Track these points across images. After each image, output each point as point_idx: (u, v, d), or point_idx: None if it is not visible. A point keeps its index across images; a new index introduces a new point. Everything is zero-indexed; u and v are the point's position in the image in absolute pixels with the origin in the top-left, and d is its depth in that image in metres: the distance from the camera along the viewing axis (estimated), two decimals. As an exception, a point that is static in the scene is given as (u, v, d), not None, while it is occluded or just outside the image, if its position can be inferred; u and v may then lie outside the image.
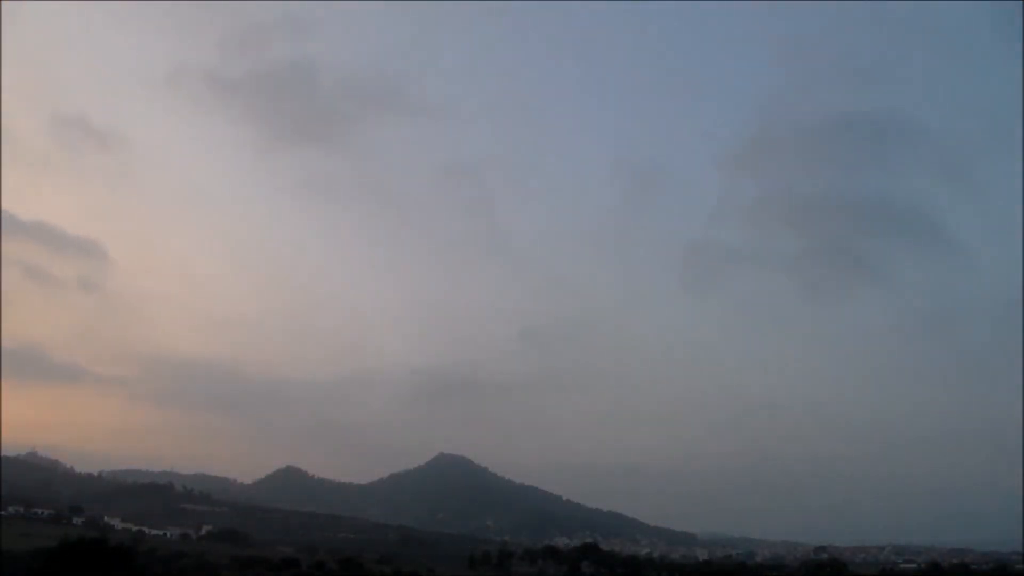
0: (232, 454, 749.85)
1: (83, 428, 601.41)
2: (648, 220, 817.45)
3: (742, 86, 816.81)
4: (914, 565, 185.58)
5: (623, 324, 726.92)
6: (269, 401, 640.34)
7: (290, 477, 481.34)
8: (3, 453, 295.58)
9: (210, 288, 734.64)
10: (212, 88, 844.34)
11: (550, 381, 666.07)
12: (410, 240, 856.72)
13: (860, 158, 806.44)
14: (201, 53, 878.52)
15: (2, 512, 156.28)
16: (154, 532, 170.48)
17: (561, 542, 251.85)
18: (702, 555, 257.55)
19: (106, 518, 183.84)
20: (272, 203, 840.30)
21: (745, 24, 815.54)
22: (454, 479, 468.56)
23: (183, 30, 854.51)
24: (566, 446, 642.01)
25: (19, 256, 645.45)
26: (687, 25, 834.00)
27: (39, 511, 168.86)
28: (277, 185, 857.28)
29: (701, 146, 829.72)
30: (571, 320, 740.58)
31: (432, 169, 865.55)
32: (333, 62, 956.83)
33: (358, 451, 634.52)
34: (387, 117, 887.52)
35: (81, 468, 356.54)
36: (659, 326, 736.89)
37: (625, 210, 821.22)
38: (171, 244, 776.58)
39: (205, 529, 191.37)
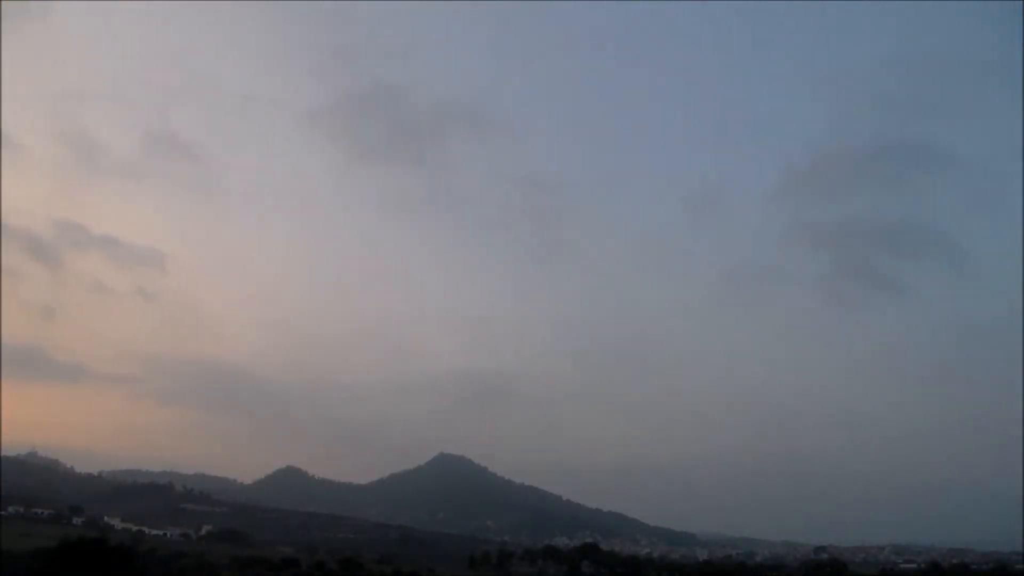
0: (232, 454, 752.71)
1: (84, 428, 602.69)
2: (695, 241, 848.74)
3: (786, 121, 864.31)
4: (914, 565, 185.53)
5: (650, 334, 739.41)
6: (284, 402, 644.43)
7: (290, 477, 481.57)
8: (3, 453, 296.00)
9: (267, 296, 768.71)
10: (301, 109, 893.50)
11: (577, 390, 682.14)
12: (477, 253, 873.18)
13: (885, 183, 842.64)
14: (292, 74, 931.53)
15: (2, 512, 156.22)
16: (154, 532, 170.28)
17: (561, 542, 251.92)
18: (702, 555, 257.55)
19: (106, 518, 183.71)
20: (345, 217, 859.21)
21: (793, 65, 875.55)
22: (454, 479, 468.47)
23: (275, 50, 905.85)
24: (566, 446, 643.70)
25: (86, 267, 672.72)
26: (743, 62, 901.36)
27: (39, 511, 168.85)
28: (352, 200, 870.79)
29: (747, 174, 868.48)
30: (607, 328, 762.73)
31: (502, 186, 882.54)
32: (417, 83, 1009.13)
33: (358, 451, 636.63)
34: (465, 136, 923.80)
35: (81, 468, 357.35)
36: (679, 335, 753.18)
37: (675, 231, 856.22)
38: (238, 254, 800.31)
39: (205, 529, 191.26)
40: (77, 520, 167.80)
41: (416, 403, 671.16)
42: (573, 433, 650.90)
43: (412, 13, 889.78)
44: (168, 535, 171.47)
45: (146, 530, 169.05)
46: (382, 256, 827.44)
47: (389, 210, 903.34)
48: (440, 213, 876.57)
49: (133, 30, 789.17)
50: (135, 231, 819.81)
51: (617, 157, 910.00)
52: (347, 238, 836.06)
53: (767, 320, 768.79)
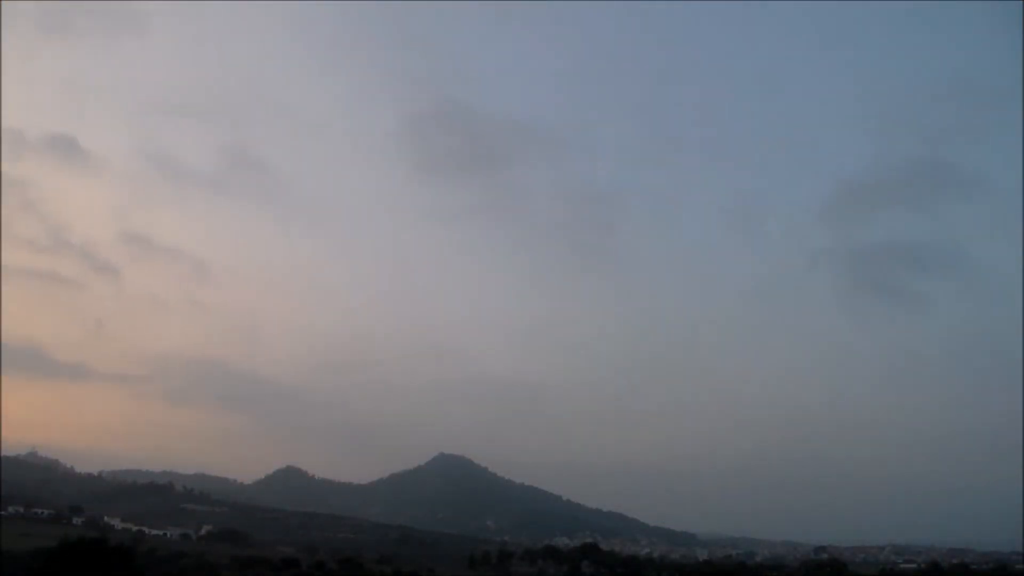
0: (232, 454, 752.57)
1: (84, 428, 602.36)
2: (726, 254, 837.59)
3: (823, 142, 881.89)
4: (914, 565, 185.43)
5: (661, 341, 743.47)
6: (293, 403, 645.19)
7: (290, 477, 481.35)
8: (3, 453, 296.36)
9: (295, 302, 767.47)
10: (371, 127, 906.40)
11: (582, 394, 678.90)
12: (529, 263, 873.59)
13: (910, 203, 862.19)
14: (363, 93, 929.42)
15: (2, 512, 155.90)
16: (154, 532, 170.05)
17: (561, 542, 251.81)
18: (702, 555, 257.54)
19: (106, 518, 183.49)
20: (399, 229, 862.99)
21: (831, 89, 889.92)
22: (454, 479, 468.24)
23: (346, 69, 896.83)
24: (566, 446, 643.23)
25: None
26: (787, 84, 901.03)
27: (39, 511, 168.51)
28: (409, 213, 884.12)
29: (782, 192, 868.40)
30: (620, 336, 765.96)
31: (559, 200, 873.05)
32: (480, 101, 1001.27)
33: (358, 451, 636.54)
34: (520, 150, 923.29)
35: (81, 468, 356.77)
36: (691, 343, 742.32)
37: (710, 243, 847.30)
38: (278, 262, 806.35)
39: (205, 529, 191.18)
40: (77, 520, 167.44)
41: (417, 403, 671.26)
42: (574, 433, 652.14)
43: (477, 37, 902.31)
44: (168, 535, 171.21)
45: (146, 530, 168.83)
46: (415, 265, 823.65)
47: (432, 222, 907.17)
48: (487, 223, 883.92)
49: (210, 46, 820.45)
50: (193, 242, 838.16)
51: (667, 172, 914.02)
52: (387, 249, 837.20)
53: (779, 331, 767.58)
